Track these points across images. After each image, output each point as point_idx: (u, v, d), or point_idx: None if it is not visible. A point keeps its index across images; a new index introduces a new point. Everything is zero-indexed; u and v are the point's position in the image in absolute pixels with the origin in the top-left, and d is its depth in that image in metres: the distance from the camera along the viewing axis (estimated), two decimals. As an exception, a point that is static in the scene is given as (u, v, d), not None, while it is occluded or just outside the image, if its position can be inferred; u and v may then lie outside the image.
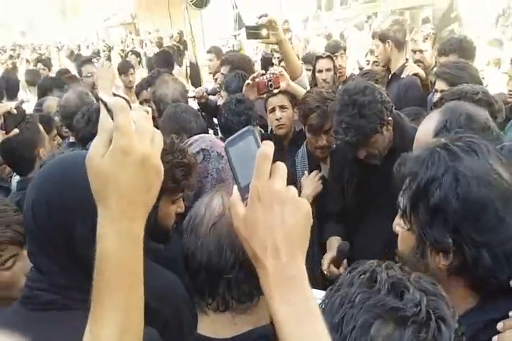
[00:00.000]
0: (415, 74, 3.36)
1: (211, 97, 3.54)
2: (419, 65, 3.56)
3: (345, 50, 4.62)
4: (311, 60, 3.97)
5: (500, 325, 0.85)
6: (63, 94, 3.08)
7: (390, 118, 2.02)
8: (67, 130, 2.99)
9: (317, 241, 2.22)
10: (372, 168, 2.09)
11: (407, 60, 3.59)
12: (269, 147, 0.71)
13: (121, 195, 0.70)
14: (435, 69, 3.10)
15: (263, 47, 4.95)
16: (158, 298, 1.21)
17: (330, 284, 0.83)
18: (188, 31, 6.22)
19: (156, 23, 16.28)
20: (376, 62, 4.29)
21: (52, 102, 3.43)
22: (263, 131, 2.94)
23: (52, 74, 6.03)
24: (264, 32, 2.53)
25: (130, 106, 0.73)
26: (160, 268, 1.41)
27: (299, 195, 0.73)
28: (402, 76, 3.39)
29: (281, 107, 2.68)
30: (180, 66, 6.50)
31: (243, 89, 2.53)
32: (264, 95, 2.62)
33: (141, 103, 3.68)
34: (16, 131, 2.17)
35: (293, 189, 0.72)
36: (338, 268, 1.92)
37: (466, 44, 3.31)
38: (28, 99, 4.66)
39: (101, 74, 2.38)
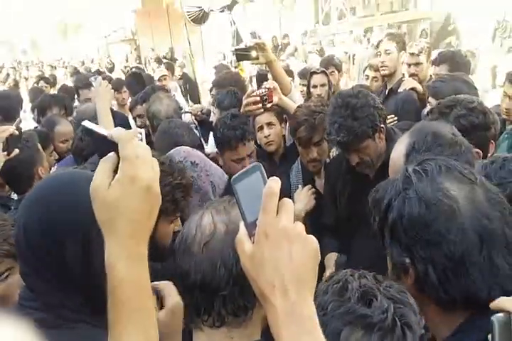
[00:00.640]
0: (412, 89, 3.40)
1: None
2: (414, 79, 3.60)
3: (337, 68, 4.50)
4: (306, 75, 4.02)
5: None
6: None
7: (383, 125, 2.05)
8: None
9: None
10: (365, 179, 2.11)
11: (403, 74, 3.63)
12: (275, 183, 0.71)
13: (129, 221, 0.75)
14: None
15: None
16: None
17: None
18: (186, 47, 6.31)
19: (155, 39, 16.51)
20: (375, 77, 4.29)
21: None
22: (256, 147, 2.97)
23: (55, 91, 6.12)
24: (253, 53, 2.58)
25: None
26: None
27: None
28: (399, 90, 3.43)
29: (269, 124, 2.73)
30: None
31: (242, 108, 2.55)
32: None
33: (134, 119, 3.76)
34: (17, 151, 2.20)
35: (300, 225, 0.72)
36: None
37: (457, 56, 3.36)
38: (24, 117, 4.67)
39: (99, 94, 2.41)
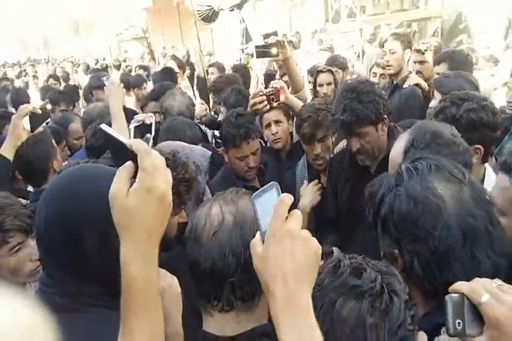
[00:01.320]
0: (417, 85, 3.44)
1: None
2: (419, 76, 3.64)
3: (340, 67, 4.50)
4: (314, 73, 4.07)
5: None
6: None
7: (386, 117, 2.11)
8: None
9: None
10: (366, 174, 2.15)
11: (410, 72, 3.68)
12: (287, 197, 0.81)
13: (145, 227, 0.83)
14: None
15: (267, 64, 5.05)
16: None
17: None
18: (196, 45, 6.37)
19: (166, 37, 16.57)
20: (383, 74, 4.33)
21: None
22: (263, 144, 3.03)
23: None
24: (274, 50, 2.66)
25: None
26: None
27: (297, 206, 0.82)
28: (404, 86, 3.48)
29: (277, 122, 2.79)
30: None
31: (249, 107, 2.60)
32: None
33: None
34: (41, 129, 2.31)
35: (306, 231, 0.80)
36: None
37: (457, 55, 3.34)
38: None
39: (112, 93, 2.47)
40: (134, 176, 0.84)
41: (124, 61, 11.60)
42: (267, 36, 3.32)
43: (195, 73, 6.88)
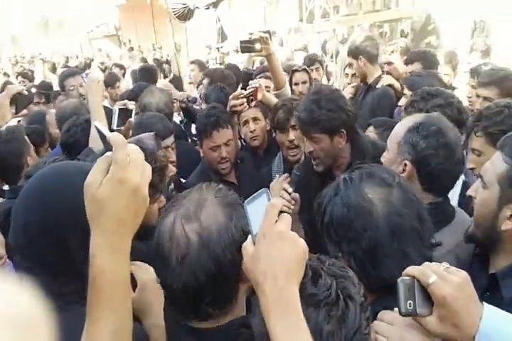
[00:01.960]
0: (390, 85, 3.53)
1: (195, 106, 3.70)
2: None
3: (321, 63, 4.66)
4: (290, 71, 4.12)
5: (380, 314, 1.01)
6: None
7: (344, 131, 2.05)
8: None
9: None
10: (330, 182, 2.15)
11: (382, 72, 3.76)
12: (277, 200, 0.87)
13: (114, 216, 0.82)
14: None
15: (245, 63, 5.09)
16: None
17: None
18: (171, 43, 6.35)
19: (139, 34, 16.40)
20: (355, 74, 4.45)
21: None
22: (243, 143, 3.05)
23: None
24: (257, 46, 2.71)
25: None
26: None
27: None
28: (377, 86, 3.56)
29: (254, 119, 2.84)
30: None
31: (228, 107, 2.62)
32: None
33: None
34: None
35: (294, 233, 0.85)
36: None
37: (429, 55, 3.55)
38: None
39: (92, 89, 2.45)
40: None
41: (102, 63, 11.36)
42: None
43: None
